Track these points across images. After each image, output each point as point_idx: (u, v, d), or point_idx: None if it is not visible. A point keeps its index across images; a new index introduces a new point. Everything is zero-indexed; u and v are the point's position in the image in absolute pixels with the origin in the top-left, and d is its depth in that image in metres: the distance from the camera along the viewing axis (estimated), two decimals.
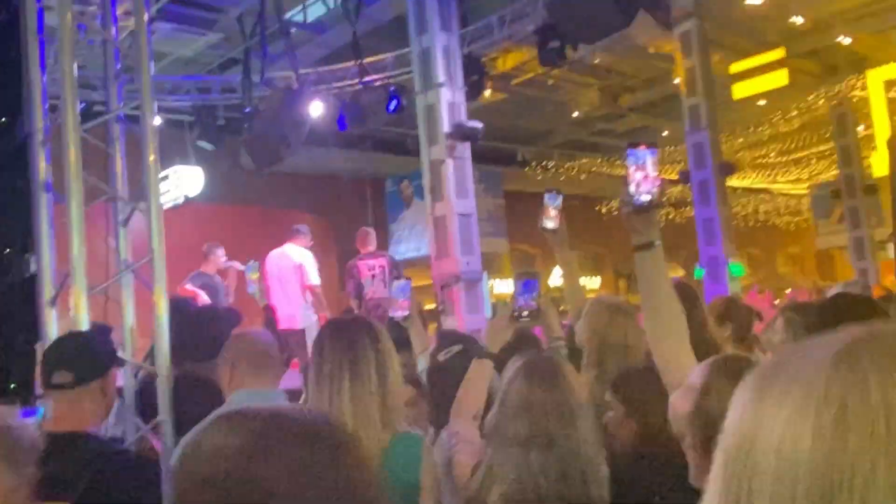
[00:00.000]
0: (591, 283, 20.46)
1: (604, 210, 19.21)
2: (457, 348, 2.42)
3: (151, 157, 2.72)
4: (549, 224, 2.72)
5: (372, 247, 7.48)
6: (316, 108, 8.48)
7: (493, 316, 2.40)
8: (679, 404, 1.42)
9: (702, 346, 1.74)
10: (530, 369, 1.77)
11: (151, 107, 2.73)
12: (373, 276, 7.47)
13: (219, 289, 6.86)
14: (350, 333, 1.84)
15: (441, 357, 2.41)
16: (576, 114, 13.38)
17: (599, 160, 16.65)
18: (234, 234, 10.31)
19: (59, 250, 2.86)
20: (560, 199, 2.73)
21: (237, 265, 6.78)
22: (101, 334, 2.31)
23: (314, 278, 6.96)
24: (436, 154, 7.80)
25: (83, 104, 4.66)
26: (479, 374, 2.11)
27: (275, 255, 7.10)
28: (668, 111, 14.44)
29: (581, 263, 19.00)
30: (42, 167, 2.89)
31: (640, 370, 2.02)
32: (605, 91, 13.52)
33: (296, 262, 7.02)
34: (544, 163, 16.42)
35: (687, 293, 2.48)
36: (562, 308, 3.22)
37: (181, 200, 9.65)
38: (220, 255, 7.09)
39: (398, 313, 2.96)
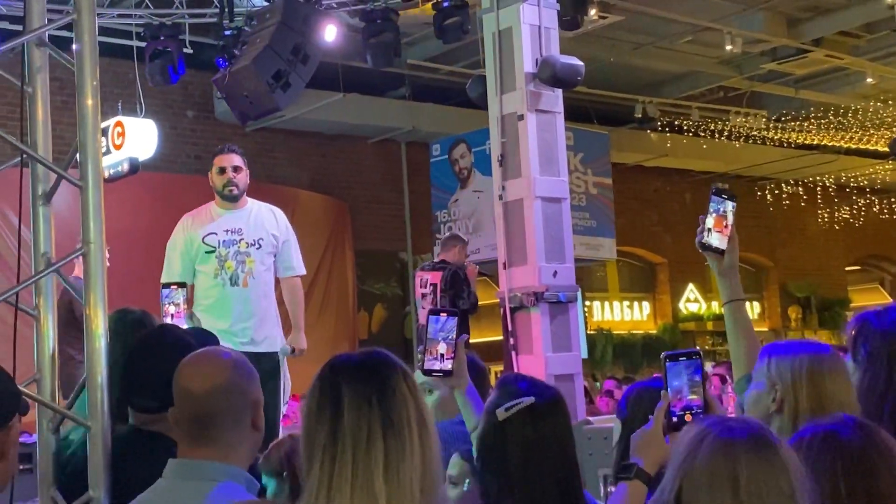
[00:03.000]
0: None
1: (770, 197, 18.92)
2: (527, 401, 2.44)
3: (89, 101, 2.74)
4: (714, 241, 2.78)
5: (452, 256, 8.07)
6: (330, 33, 8.55)
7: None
8: None
9: None
10: None
11: (91, 24, 2.76)
12: (422, 294, 7.64)
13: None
14: (378, 375, 1.87)
15: (501, 413, 2.43)
16: (729, 47, 13.22)
17: (765, 119, 16.41)
18: None
19: None
20: (733, 206, 2.80)
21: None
22: None
23: None
24: (510, 106, 7.80)
25: None
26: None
27: None
28: (876, 46, 14.13)
29: None
30: None
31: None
32: (777, 13, 13.32)
33: None
34: (677, 122, 16.26)
35: None
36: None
37: (125, 168, 9.79)
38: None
39: (434, 364, 2.74)
